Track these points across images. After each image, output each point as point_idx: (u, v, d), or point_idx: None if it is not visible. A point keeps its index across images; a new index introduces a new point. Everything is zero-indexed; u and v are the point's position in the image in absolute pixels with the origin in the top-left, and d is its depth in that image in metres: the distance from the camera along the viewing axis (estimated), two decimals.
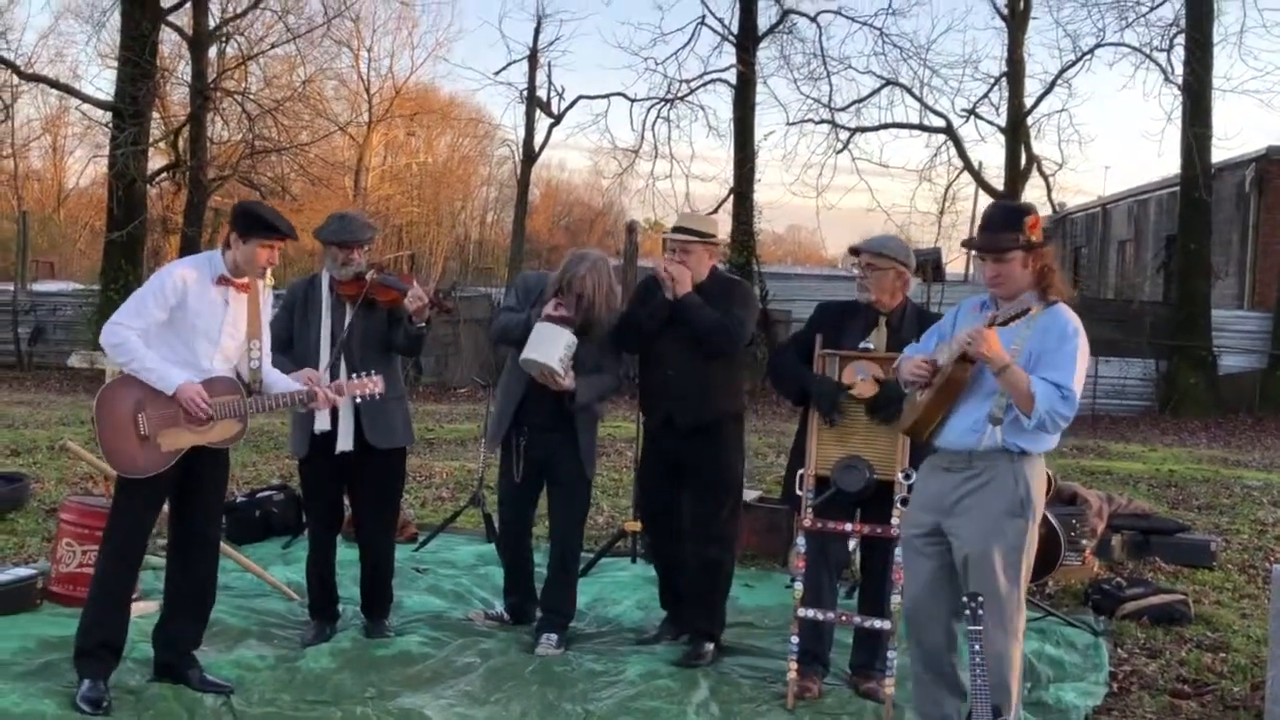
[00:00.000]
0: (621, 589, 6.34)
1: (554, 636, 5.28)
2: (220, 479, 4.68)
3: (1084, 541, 6.85)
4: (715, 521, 5.28)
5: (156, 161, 23.35)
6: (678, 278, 5.17)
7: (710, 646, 5.24)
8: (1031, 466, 4.00)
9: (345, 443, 5.19)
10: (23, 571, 5.62)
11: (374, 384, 4.78)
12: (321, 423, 5.17)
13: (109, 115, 21.51)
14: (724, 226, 21.25)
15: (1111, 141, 64.15)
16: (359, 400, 4.88)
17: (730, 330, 5.16)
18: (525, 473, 5.43)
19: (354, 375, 4.85)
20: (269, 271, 4.64)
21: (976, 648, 3.89)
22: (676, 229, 5.38)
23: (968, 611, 3.91)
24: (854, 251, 5.04)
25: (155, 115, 22.64)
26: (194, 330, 4.41)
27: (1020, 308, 3.92)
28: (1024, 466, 3.98)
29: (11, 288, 23.44)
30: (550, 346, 5.18)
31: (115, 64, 21.70)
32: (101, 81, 54.42)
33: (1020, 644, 4.06)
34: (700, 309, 5.15)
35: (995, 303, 4.08)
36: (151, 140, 22.10)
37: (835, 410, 4.76)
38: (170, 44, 23.94)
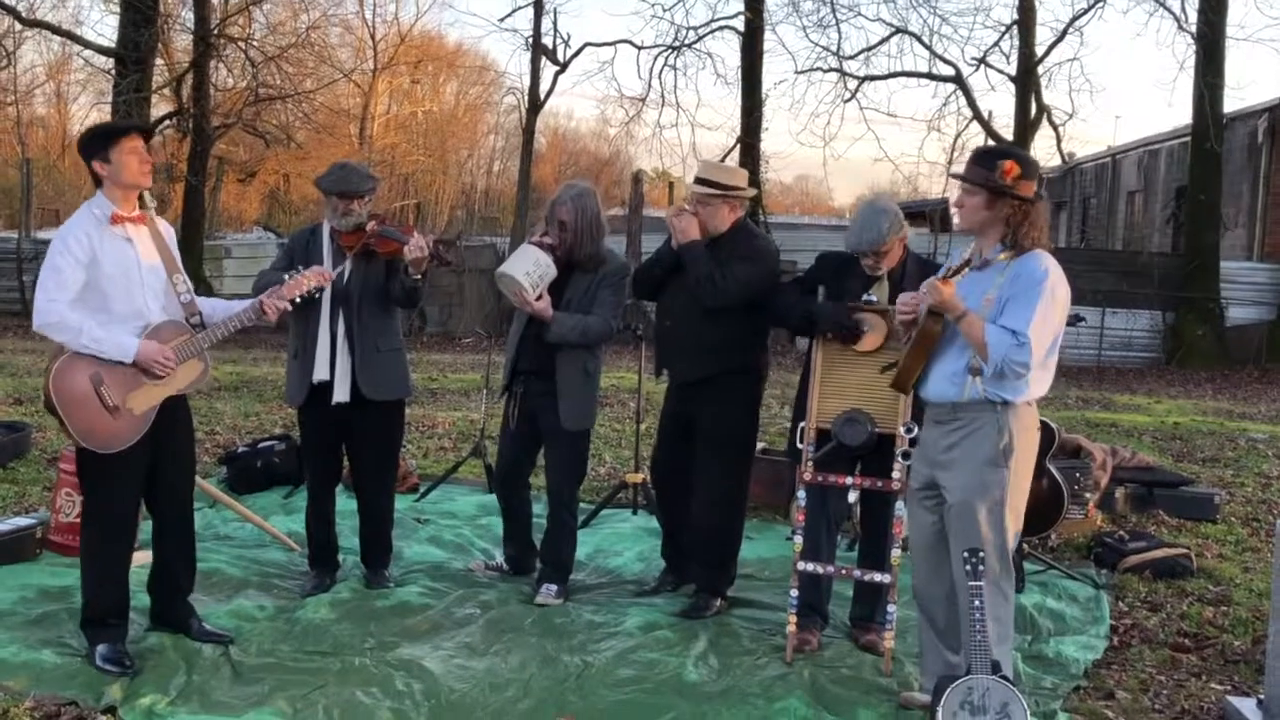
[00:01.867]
0: (622, 540, 6.34)
1: (553, 588, 5.28)
2: (184, 425, 4.55)
3: (1087, 495, 6.84)
4: (717, 481, 5.19)
5: (160, 109, 23.20)
6: (681, 227, 5.09)
7: (717, 602, 5.23)
8: (1015, 416, 3.98)
9: (341, 394, 5.14)
10: (22, 521, 5.63)
11: (316, 276, 4.64)
12: (320, 372, 5.12)
13: (111, 62, 21.35)
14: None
15: (1122, 91, 63.74)
16: (304, 296, 4.65)
17: (716, 283, 4.98)
18: (519, 422, 5.40)
19: (295, 271, 4.66)
20: (148, 196, 4.41)
21: (976, 603, 3.88)
22: (696, 179, 5.24)
23: (968, 567, 3.90)
24: (864, 255, 4.89)
25: (159, 62, 22.48)
26: (114, 279, 4.22)
27: (963, 260, 3.95)
28: (1008, 416, 3.97)
29: (16, 235, 23.39)
30: (520, 261, 5.14)
31: (117, 10, 21.50)
32: (104, 27, 53.98)
33: (1004, 593, 4.06)
34: (697, 261, 5.04)
35: (979, 250, 4.06)
36: (154, 87, 21.93)
37: (852, 335, 4.67)
38: None
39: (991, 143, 20.52)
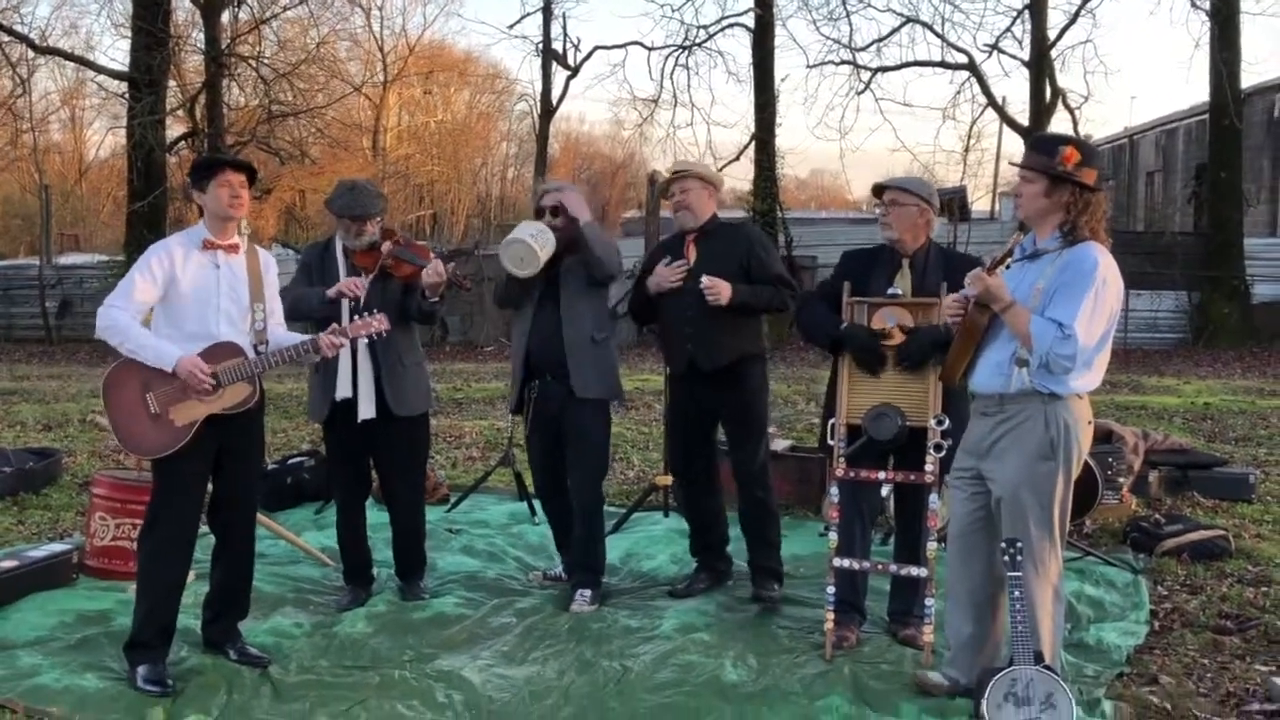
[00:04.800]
0: (655, 543, 6.32)
1: (587, 593, 5.26)
2: (252, 448, 4.62)
3: (1120, 479, 6.79)
4: (754, 462, 5.32)
5: (175, 130, 23.32)
6: (715, 291, 5.11)
7: (777, 587, 5.29)
8: (1065, 409, 3.91)
9: (367, 410, 5.15)
10: (57, 547, 5.66)
11: (378, 322, 4.60)
12: (342, 389, 5.14)
13: (125, 85, 21.48)
14: (746, 173, 21.06)
15: (1137, 71, 63.32)
16: (365, 341, 4.74)
17: (789, 299, 5.23)
18: (540, 427, 5.36)
19: (355, 316, 4.69)
20: (244, 223, 4.53)
21: (1016, 593, 3.86)
22: (673, 173, 5.45)
23: (1005, 557, 3.87)
24: (877, 192, 4.95)
25: (171, 84, 22.59)
26: (190, 300, 4.36)
27: (1005, 251, 3.95)
28: (1056, 409, 3.90)
29: (37, 262, 23.59)
30: (521, 231, 5.14)
31: (129, 34, 21.64)
32: (116, 52, 54.35)
33: (1054, 588, 4.01)
34: (764, 300, 5.22)
35: (1034, 239, 4.01)
36: (168, 109, 22.06)
37: (879, 361, 4.69)
38: (183, 10, 23.87)
39: (1019, 136, 20.42)
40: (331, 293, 5.10)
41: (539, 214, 5.31)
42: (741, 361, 5.28)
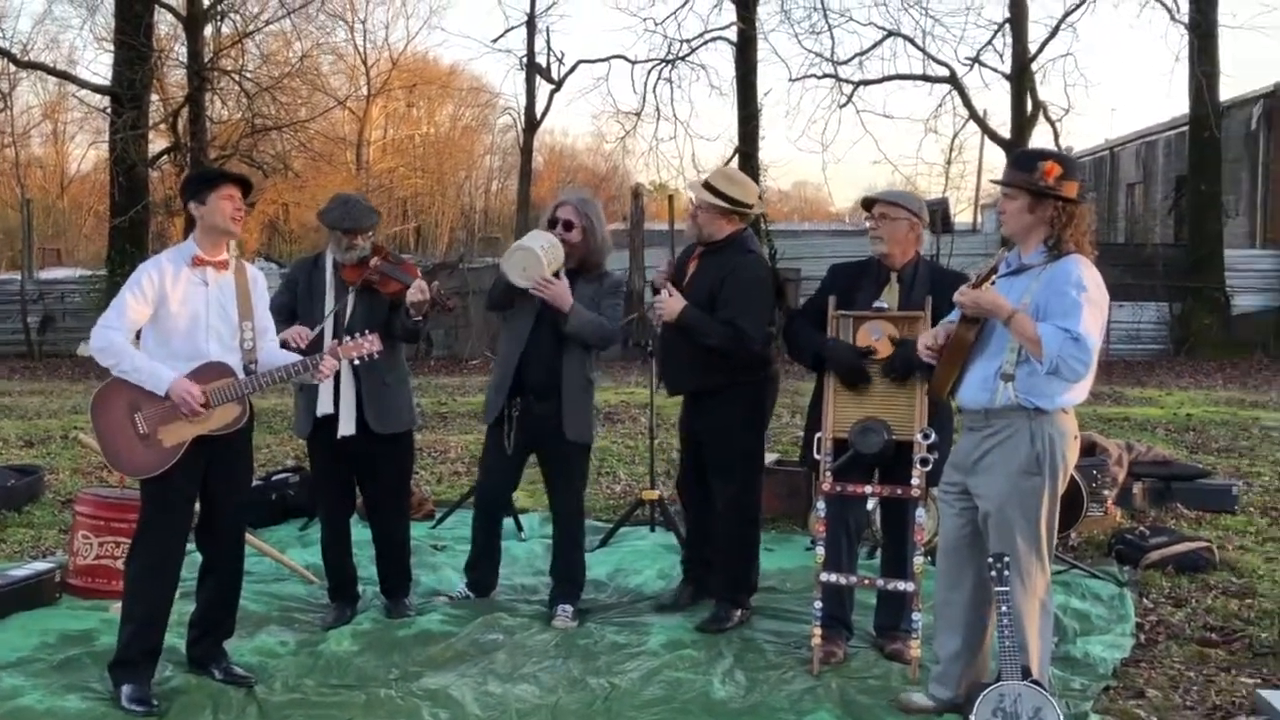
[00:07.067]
0: (642, 558, 6.31)
1: (569, 608, 5.24)
2: (240, 467, 4.58)
3: (1105, 492, 6.81)
4: (723, 492, 5.22)
5: (157, 144, 23.22)
6: (663, 311, 5.09)
7: (738, 613, 5.22)
8: (1051, 424, 3.92)
9: (347, 427, 5.13)
10: (40, 565, 5.61)
11: (369, 343, 4.58)
12: (323, 406, 5.13)
13: (107, 100, 21.40)
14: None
15: (1117, 84, 63.64)
16: (357, 363, 4.68)
17: (744, 341, 5.02)
18: (516, 443, 5.32)
19: (349, 337, 4.65)
20: (235, 245, 4.52)
21: (1004, 608, 3.87)
22: (704, 184, 5.26)
23: (993, 572, 3.88)
24: (867, 205, 4.96)
25: (154, 98, 22.50)
26: (179, 319, 4.31)
27: (989, 267, 3.97)
28: (1042, 424, 3.91)
29: (18, 277, 23.43)
30: (532, 240, 5.11)
31: (111, 48, 21.57)
32: (98, 66, 54.16)
33: (1041, 603, 4.02)
34: (705, 329, 5.04)
35: (1018, 254, 4.03)
36: (151, 123, 21.96)
37: (862, 378, 4.69)
38: (165, 25, 23.75)
39: (1002, 149, 20.52)
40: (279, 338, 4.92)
41: (551, 225, 5.28)
42: (712, 391, 5.16)
